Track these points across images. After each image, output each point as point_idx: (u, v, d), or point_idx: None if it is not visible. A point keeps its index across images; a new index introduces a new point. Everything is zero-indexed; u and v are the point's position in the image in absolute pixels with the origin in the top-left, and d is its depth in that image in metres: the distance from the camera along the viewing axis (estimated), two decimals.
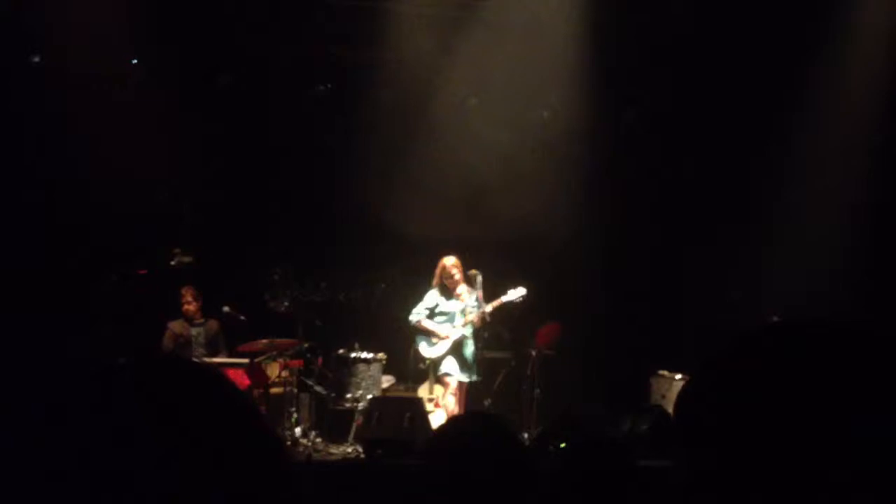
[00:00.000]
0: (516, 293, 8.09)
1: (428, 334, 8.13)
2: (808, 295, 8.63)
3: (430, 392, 8.29)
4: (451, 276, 8.07)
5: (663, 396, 8.67)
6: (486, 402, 8.78)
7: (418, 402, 7.80)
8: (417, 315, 8.17)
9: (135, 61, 9.62)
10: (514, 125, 9.81)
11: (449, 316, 8.14)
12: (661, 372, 8.88)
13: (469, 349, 8.10)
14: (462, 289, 8.11)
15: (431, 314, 8.17)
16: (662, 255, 9.84)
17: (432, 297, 8.18)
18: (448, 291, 8.14)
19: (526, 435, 8.22)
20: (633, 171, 10.05)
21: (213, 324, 8.79)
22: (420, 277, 8.74)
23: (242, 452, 0.90)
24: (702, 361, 1.05)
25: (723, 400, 0.97)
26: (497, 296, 8.18)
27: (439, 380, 8.16)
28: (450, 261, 8.12)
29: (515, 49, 9.36)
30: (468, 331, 8.10)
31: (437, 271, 8.17)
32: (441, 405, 8.09)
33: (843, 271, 9.03)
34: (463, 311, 8.09)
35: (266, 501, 0.91)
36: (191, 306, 8.71)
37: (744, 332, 1.05)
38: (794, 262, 8.99)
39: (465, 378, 8.06)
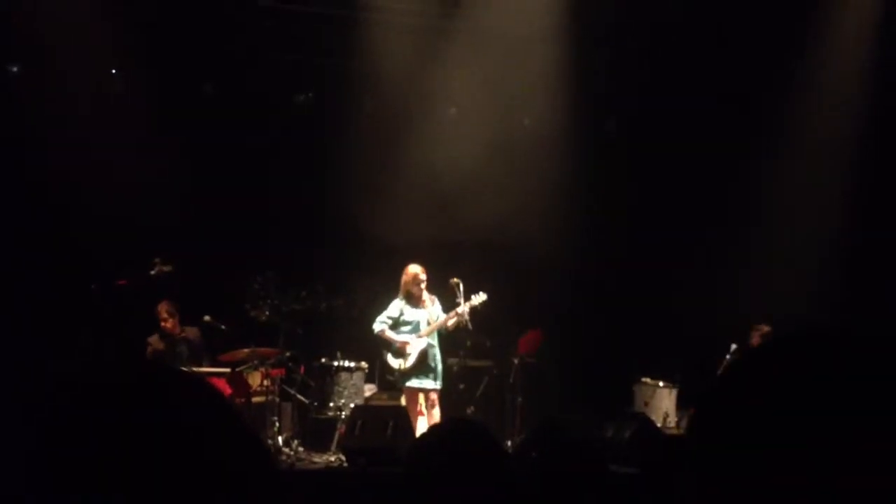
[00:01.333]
0: (478, 298, 8.07)
1: (391, 344, 8.09)
2: (793, 300, 8.68)
3: (406, 401, 8.26)
4: (417, 285, 8.03)
5: (646, 404, 8.70)
6: (469, 410, 8.77)
7: (401, 411, 7.77)
8: (381, 325, 8.10)
9: (114, 71, 9.58)
10: (495, 133, 9.83)
11: (413, 325, 8.07)
12: (643, 379, 8.91)
13: (436, 357, 8.06)
14: (426, 297, 8.09)
15: (396, 323, 8.12)
16: (646, 261, 9.88)
17: (396, 306, 8.13)
18: (413, 300, 8.10)
19: (509, 442, 8.21)
20: (616, 178, 10.09)
21: (193, 332, 8.71)
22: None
23: (230, 458, 0.91)
24: (719, 376, 1.05)
25: (739, 413, 0.96)
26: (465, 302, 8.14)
27: (407, 391, 8.10)
28: (416, 269, 8.08)
29: (496, 57, 9.40)
30: (434, 339, 8.07)
31: (403, 280, 8.11)
32: (423, 413, 8.07)
33: (826, 277, 9.09)
34: (428, 321, 8.05)
35: None
36: (167, 323, 8.60)
37: (756, 347, 1.06)
38: (779, 267, 9.05)
39: (434, 386, 8.01)
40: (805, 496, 0.89)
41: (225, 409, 0.96)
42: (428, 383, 7.97)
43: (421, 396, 8.01)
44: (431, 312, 8.06)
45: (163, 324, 8.58)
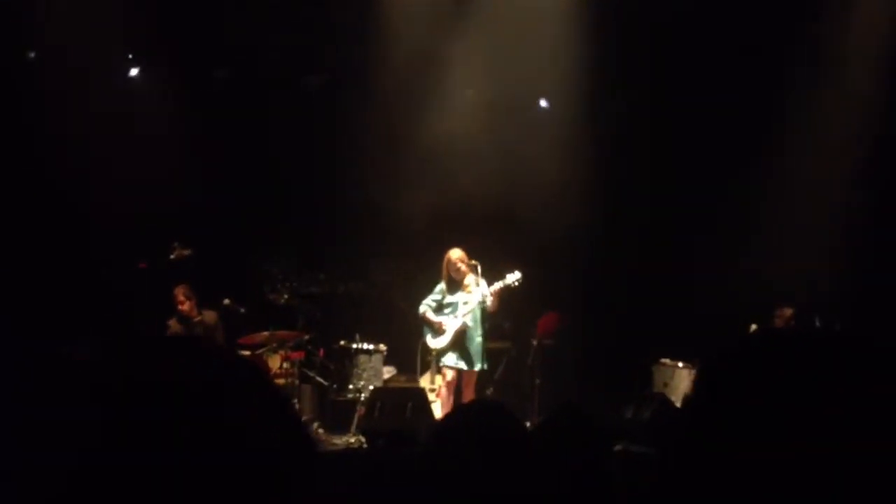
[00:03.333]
0: (513, 277, 8.10)
1: (431, 326, 8.16)
2: (807, 284, 8.64)
3: (432, 382, 8.30)
4: (458, 269, 8.09)
5: (665, 384, 8.68)
6: (488, 392, 8.80)
7: (420, 392, 7.81)
8: (424, 307, 8.23)
9: (130, 56, 9.61)
10: (510, 113, 9.79)
11: (453, 307, 8.16)
12: (663, 360, 8.88)
13: (475, 339, 8.08)
14: (470, 280, 8.14)
15: (440, 306, 8.21)
16: (664, 242, 9.83)
17: (439, 289, 8.23)
18: (455, 284, 8.16)
19: (528, 424, 8.24)
20: (633, 159, 10.03)
21: (211, 316, 8.73)
22: (420, 268, 8.74)
23: (274, 430, 0.93)
24: (704, 366, 1.07)
25: (725, 403, 0.98)
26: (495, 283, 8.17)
27: (440, 370, 8.19)
28: (455, 254, 8.14)
29: (513, 37, 9.34)
30: (472, 320, 8.08)
31: (444, 264, 8.18)
32: (441, 395, 8.11)
33: (843, 260, 9.03)
34: (465, 302, 8.09)
35: (296, 476, 0.93)
36: (184, 306, 8.58)
37: (748, 339, 1.08)
38: (796, 251, 8.99)
39: (468, 367, 8.03)
40: (788, 487, 0.91)
41: (270, 385, 0.98)
42: (463, 364, 8.01)
43: (456, 375, 8.05)
44: (474, 294, 8.10)
45: (179, 307, 8.59)
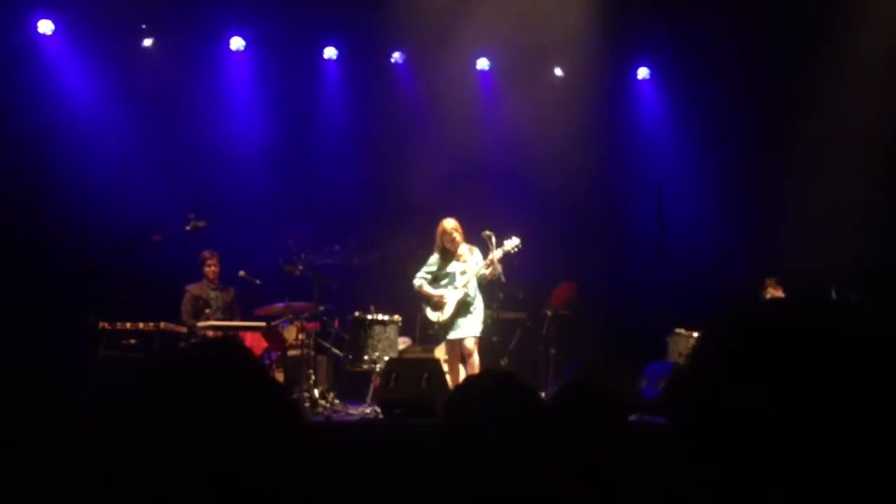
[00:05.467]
0: (511, 243, 8.00)
1: (429, 299, 8.10)
2: (827, 255, 8.58)
3: (446, 353, 8.30)
4: (452, 240, 8.00)
5: (680, 355, 8.65)
6: (502, 362, 8.80)
7: (435, 363, 7.81)
8: (420, 280, 8.13)
9: (143, 27, 9.59)
10: (527, 83, 9.72)
11: (450, 277, 8.07)
12: (678, 330, 8.85)
13: (475, 306, 8.04)
14: (464, 249, 8.04)
15: (435, 277, 8.13)
16: (678, 213, 9.78)
17: (433, 260, 8.13)
18: (448, 254, 8.07)
19: (542, 394, 8.24)
20: (649, 129, 9.96)
21: (231, 291, 8.84)
22: (433, 238, 8.72)
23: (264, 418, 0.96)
24: (702, 336, 1.07)
25: (717, 376, 0.98)
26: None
27: (448, 343, 8.13)
28: (449, 223, 8.03)
29: (528, 7, 9.25)
30: (472, 289, 8.04)
31: (438, 234, 8.08)
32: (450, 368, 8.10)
33: (863, 233, 8.97)
34: (463, 272, 8.02)
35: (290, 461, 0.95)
36: (214, 268, 8.74)
37: (747, 309, 1.07)
38: (817, 222, 8.92)
39: (472, 335, 7.99)
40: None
41: (259, 372, 1.01)
42: (465, 333, 7.96)
43: (460, 346, 8.02)
44: (469, 263, 8.03)
45: (212, 268, 8.70)
